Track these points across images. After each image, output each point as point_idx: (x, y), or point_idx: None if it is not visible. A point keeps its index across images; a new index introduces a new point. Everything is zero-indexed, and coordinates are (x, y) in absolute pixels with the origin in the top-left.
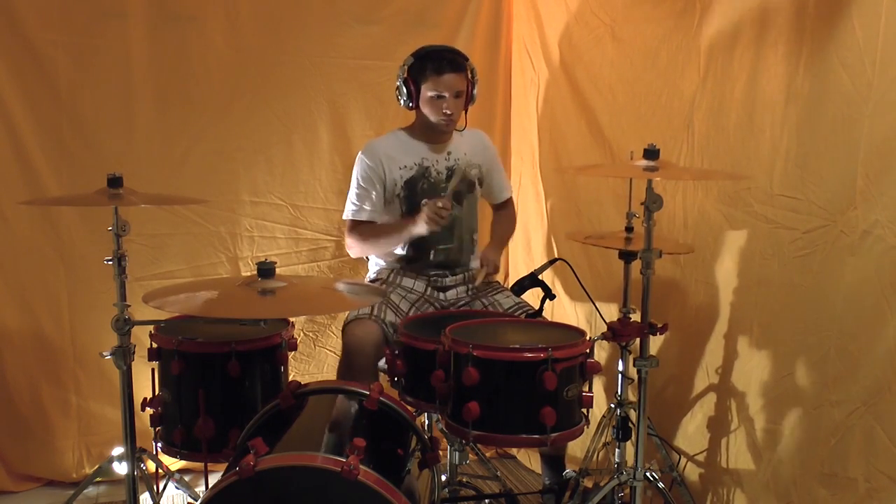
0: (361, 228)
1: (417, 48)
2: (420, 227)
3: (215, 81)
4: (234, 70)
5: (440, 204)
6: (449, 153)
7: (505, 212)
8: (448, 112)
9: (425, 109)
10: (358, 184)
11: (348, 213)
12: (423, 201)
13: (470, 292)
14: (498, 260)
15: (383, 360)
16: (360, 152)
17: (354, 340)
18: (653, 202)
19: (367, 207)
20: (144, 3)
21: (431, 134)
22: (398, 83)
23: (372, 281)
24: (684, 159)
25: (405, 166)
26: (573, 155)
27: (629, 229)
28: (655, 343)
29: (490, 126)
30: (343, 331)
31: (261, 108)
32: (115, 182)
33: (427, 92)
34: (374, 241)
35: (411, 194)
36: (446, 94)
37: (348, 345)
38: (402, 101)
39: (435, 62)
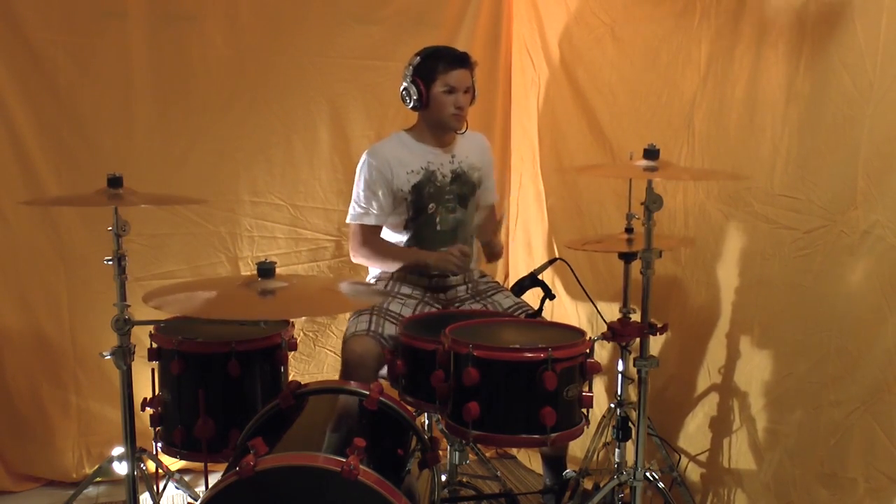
0: (373, 241)
1: (419, 49)
2: (432, 263)
3: (215, 81)
4: (234, 70)
5: (464, 252)
6: (453, 156)
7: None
8: (460, 106)
9: (435, 107)
10: (364, 187)
11: (354, 218)
12: (454, 246)
13: (470, 292)
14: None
15: (384, 368)
16: (364, 155)
17: (354, 357)
18: (653, 202)
19: (373, 211)
20: (144, 3)
21: (437, 134)
22: (405, 84)
23: None
24: (684, 159)
25: (412, 171)
26: (574, 155)
27: (629, 230)
28: (656, 343)
29: (490, 126)
30: (342, 347)
31: (261, 108)
32: (115, 182)
33: (438, 88)
34: (381, 258)
35: (418, 198)
36: (458, 89)
37: (348, 362)
38: (410, 102)
39: (446, 59)
